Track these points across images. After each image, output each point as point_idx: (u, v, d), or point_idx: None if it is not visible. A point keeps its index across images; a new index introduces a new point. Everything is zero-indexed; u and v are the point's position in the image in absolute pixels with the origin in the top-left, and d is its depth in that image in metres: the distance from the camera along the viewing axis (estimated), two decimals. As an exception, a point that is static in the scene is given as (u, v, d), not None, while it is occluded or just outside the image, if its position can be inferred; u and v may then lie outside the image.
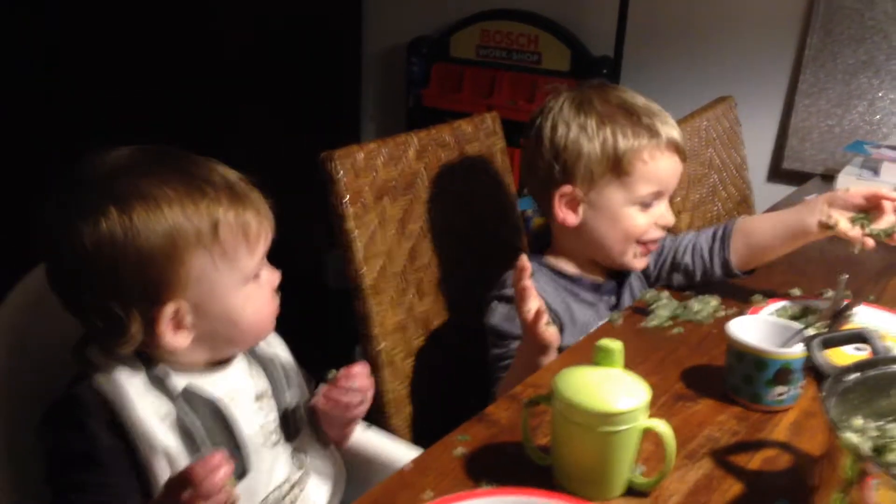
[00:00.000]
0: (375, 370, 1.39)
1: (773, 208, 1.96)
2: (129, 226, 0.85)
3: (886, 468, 0.81)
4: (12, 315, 1.00)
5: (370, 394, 1.03)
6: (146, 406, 0.89)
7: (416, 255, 1.47)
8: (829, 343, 0.92)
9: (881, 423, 0.88)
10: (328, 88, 3.09)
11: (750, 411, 1.07)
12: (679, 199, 1.83)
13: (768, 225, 1.39)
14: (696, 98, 2.17)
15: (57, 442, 0.89)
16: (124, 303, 0.87)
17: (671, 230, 1.43)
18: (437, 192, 1.52)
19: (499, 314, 1.35)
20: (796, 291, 1.41)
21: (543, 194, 1.39)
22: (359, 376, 1.01)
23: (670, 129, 1.33)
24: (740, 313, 1.31)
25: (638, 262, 1.39)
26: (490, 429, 1.01)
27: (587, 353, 0.92)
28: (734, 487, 0.92)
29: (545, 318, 1.15)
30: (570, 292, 1.40)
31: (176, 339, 0.90)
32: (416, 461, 0.94)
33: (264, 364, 1.02)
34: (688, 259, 1.43)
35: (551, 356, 1.20)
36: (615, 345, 0.90)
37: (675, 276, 1.45)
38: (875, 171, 1.91)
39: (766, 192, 2.36)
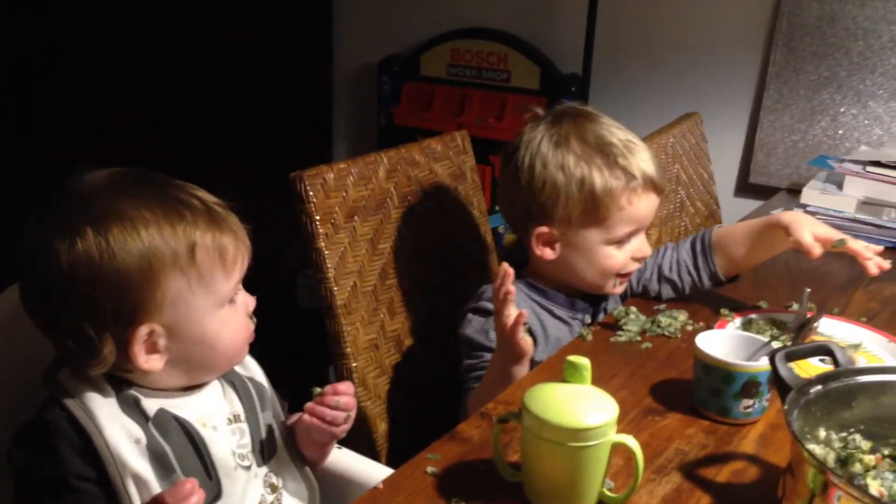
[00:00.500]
0: (348, 389, 1.39)
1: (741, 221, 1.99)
2: (105, 247, 0.85)
3: (850, 479, 0.83)
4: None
5: (353, 413, 1.03)
6: (117, 430, 0.88)
7: (387, 273, 1.48)
8: (792, 356, 0.94)
9: (844, 434, 0.89)
10: (299, 107, 3.09)
11: (718, 424, 1.09)
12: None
13: (741, 238, 1.44)
14: (663, 115, 2.20)
15: (27, 466, 0.88)
16: (98, 323, 0.86)
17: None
18: (407, 211, 1.52)
19: (473, 326, 1.36)
20: (763, 304, 1.43)
21: (520, 227, 1.41)
22: (344, 394, 1.01)
23: (646, 166, 1.33)
24: (708, 327, 1.33)
25: (617, 289, 1.41)
26: (461, 446, 1.02)
27: (559, 368, 0.93)
28: (703, 500, 0.93)
29: (522, 326, 1.16)
30: (544, 308, 1.41)
31: (149, 362, 0.90)
32: (387, 480, 0.94)
33: (238, 387, 1.02)
34: (675, 276, 1.46)
35: (524, 367, 1.21)
36: (583, 361, 0.91)
37: (663, 290, 1.47)
38: (839, 185, 1.94)
39: (733, 207, 2.39)
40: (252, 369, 1.07)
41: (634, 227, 1.35)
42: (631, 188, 1.31)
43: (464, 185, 1.67)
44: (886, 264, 1.32)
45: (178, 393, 0.96)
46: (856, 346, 1.31)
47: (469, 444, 1.02)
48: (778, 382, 0.89)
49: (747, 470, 1.00)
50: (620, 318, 1.37)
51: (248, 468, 0.98)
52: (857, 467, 0.87)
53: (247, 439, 0.99)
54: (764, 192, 2.38)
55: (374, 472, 1.13)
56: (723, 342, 1.13)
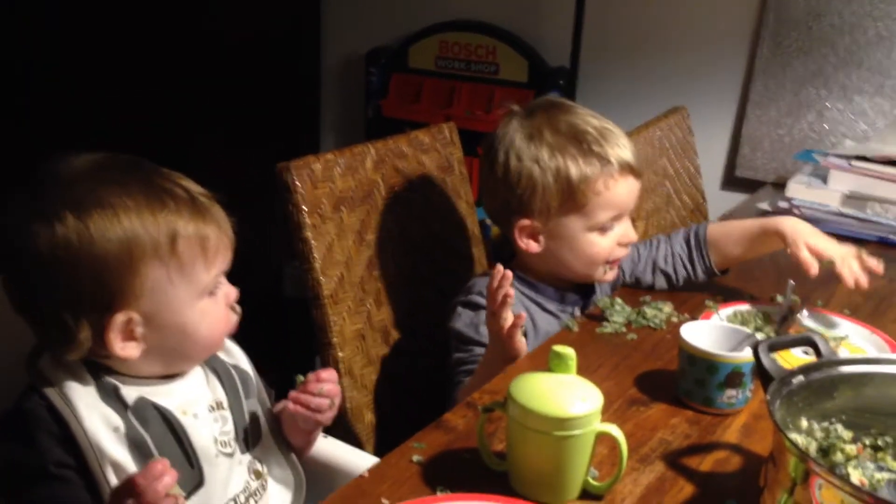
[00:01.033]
0: (334, 379, 1.39)
1: (727, 215, 2.01)
2: (85, 232, 0.84)
3: (831, 468, 0.84)
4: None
5: (338, 399, 1.03)
6: (96, 419, 0.88)
7: (375, 264, 1.48)
8: (775, 347, 0.95)
9: (826, 424, 0.90)
10: (287, 99, 3.08)
11: (701, 415, 1.09)
12: (634, 207, 1.85)
13: (737, 238, 1.45)
14: (650, 108, 2.20)
15: (7, 456, 0.88)
16: (75, 309, 0.86)
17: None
18: (394, 203, 1.52)
19: (463, 320, 1.36)
20: (749, 297, 1.44)
21: (503, 222, 1.41)
22: (327, 381, 1.01)
23: (621, 152, 1.33)
24: (693, 319, 1.34)
25: (607, 275, 1.41)
26: (447, 435, 1.02)
27: (544, 358, 0.94)
28: (686, 489, 0.94)
29: (520, 329, 1.17)
30: (533, 301, 1.41)
31: (126, 350, 0.89)
32: (372, 469, 0.95)
33: (222, 374, 1.02)
34: (669, 268, 1.48)
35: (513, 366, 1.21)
36: (568, 351, 0.91)
37: (657, 281, 1.49)
38: (824, 179, 1.96)
39: (719, 200, 2.40)
40: (236, 356, 1.07)
41: (615, 212, 1.35)
42: (607, 173, 1.32)
43: (451, 176, 1.68)
44: (864, 283, 1.34)
45: (159, 381, 0.96)
46: (840, 339, 1.31)
47: (454, 433, 1.03)
48: (761, 373, 0.90)
49: (730, 459, 1.01)
50: (606, 309, 1.38)
51: (230, 455, 0.98)
52: (839, 457, 0.88)
53: (229, 426, 0.99)
54: (750, 186, 2.39)
55: (359, 460, 1.14)
56: (707, 333, 1.14)
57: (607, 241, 1.36)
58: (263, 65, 2.93)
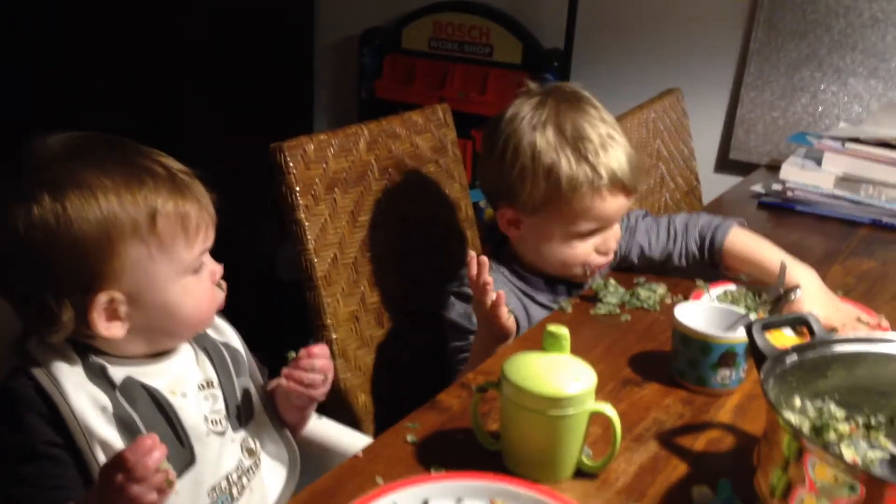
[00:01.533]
0: (328, 361, 1.39)
1: (720, 199, 2.01)
2: (62, 213, 0.84)
3: (824, 447, 0.84)
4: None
5: (331, 374, 1.03)
6: (83, 398, 0.88)
7: (368, 246, 1.47)
8: (769, 326, 0.95)
9: (819, 403, 0.91)
10: (280, 81, 3.06)
11: (695, 395, 1.10)
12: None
13: (752, 266, 1.40)
14: (645, 90, 2.20)
15: None
16: (56, 290, 0.86)
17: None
18: (388, 184, 1.52)
19: (456, 310, 1.36)
20: (743, 278, 1.44)
21: (493, 200, 1.41)
22: (319, 356, 1.01)
23: (618, 167, 1.30)
24: (687, 300, 1.34)
25: (586, 276, 1.40)
26: (441, 416, 1.02)
27: (537, 340, 0.94)
28: (679, 468, 0.94)
29: (505, 307, 1.17)
30: (526, 294, 1.41)
31: (110, 329, 0.89)
32: (366, 449, 0.95)
33: (212, 353, 1.02)
34: (682, 263, 1.46)
35: (508, 345, 1.21)
36: (562, 331, 0.91)
37: (666, 267, 1.47)
38: (818, 161, 1.95)
39: (713, 182, 2.40)
40: (227, 334, 1.07)
41: (597, 224, 1.34)
42: (596, 187, 1.29)
43: (445, 158, 1.67)
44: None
45: (147, 360, 0.95)
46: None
47: (448, 414, 1.03)
48: (754, 352, 0.90)
49: (724, 439, 1.01)
50: (600, 290, 1.38)
51: (221, 434, 0.98)
52: (832, 436, 0.88)
53: (220, 405, 0.99)
54: (744, 169, 2.39)
55: (353, 440, 1.14)
56: (701, 314, 1.14)
57: (585, 248, 1.35)
58: (256, 46, 2.91)
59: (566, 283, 1.43)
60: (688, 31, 2.49)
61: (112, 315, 0.89)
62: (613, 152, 1.30)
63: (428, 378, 1.41)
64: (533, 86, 1.39)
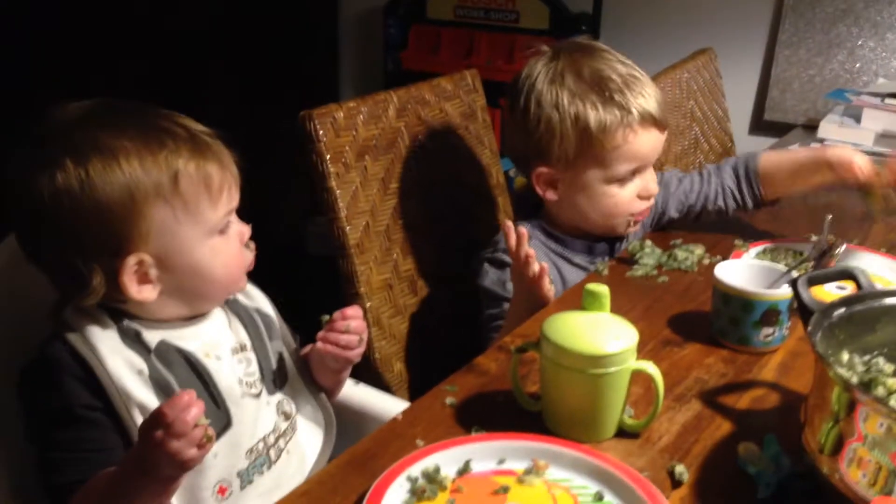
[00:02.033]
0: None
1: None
2: (85, 178, 0.84)
3: (877, 398, 0.82)
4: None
5: (365, 335, 1.03)
6: (119, 362, 0.88)
7: (400, 213, 1.46)
8: (814, 281, 0.92)
9: (867, 357, 0.88)
10: (305, 55, 3.05)
11: (737, 353, 1.08)
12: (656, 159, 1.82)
13: (787, 172, 1.41)
14: (677, 51, 2.15)
15: (34, 401, 0.89)
16: (85, 255, 0.86)
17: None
18: (418, 151, 1.50)
19: (490, 277, 1.35)
20: (780, 236, 1.41)
21: (523, 167, 1.38)
22: (353, 317, 1.01)
23: (645, 102, 1.29)
24: (725, 260, 1.31)
25: (631, 229, 1.38)
26: (479, 378, 1.01)
27: (576, 301, 0.92)
28: (723, 426, 0.93)
29: (547, 277, 1.16)
30: (561, 256, 1.40)
31: (142, 293, 0.89)
32: (406, 412, 0.94)
33: (244, 317, 1.02)
34: (721, 202, 1.44)
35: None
36: (602, 289, 0.90)
37: (707, 216, 1.46)
38: (857, 118, 1.91)
39: (748, 144, 2.36)
40: (258, 300, 1.06)
41: (635, 164, 1.32)
42: (626, 124, 1.27)
43: (475, 124, 1.65)
44: None
45: (180, 324, 0.95)
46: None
47: (487, 377, 1.02)
48: (800, 306, 0.88)
49: (768, 397, 0.99)
50: (636, 252, 1.36)
51: (257, 396, 0.98)
52: (881, 391, 0.86)
53: (254, 368, 0.99)
54: (779, 130, 2.35)
55: (391, 405, 1.14)
56: (742, 272, 1.11)
57: (626, 194, 1.33)
58: (281, 18, 2.89)
59: (605, 242, 1.41)
60: (719, -11, 2.44)
61: (143, 278, 0.89)
62: (638, 88, 1.29)
63: (462, 345, 1.40)
64: (544, 47, 1.37)
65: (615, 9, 2.53)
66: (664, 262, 1.34)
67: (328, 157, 1.33)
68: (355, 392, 1.16)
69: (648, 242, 1.38)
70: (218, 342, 0.97)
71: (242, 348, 0.99)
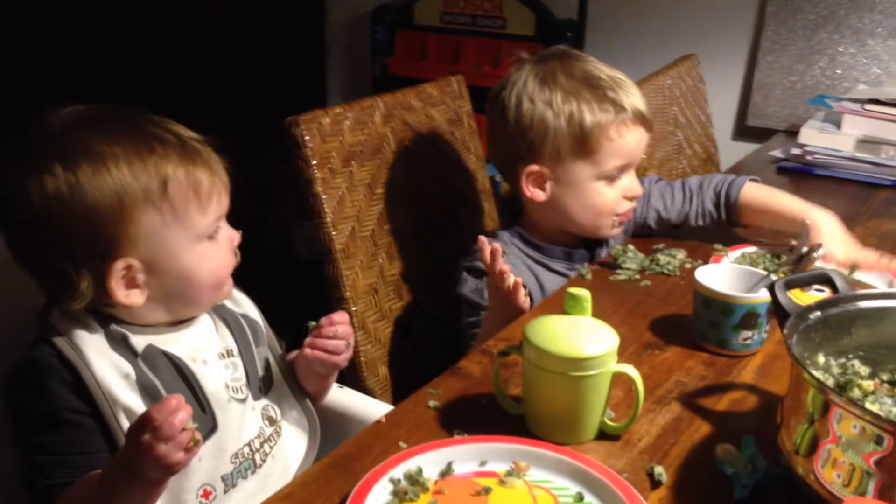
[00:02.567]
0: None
1: (739, 165, 1.99)
2: (75, 183, 0.85)
3: (850, 400, 0.83)
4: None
5: (352, 340, 1.04)
6: (106, 366, 0.89)
7: (386, 218, 1.47)
8: (791, 284, 0.94)
9: (843, 360, 0.90)
10: (292, 60, 3.05)
11: (717, 356, 1.09)
12: (645, 156, 1.83)
13: (769, 217, 1.42)
14: (660, 57, 2.18)
15: (20, 405, 0.90)
16: (73, 259, 0.87)
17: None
18: (404, 156, 1.51)
19: (469, 286, 1.36)
20: (763, 241, 1.43)
21: (510, 169, 1.39)
22: (340, 323, 1.02)
23: (635, 101, 1.32)
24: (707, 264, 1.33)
25: (615, 230, 1.40)
26: (462, 381, 1.02)
27: (557, 305, 0.93)
28: (702, 428, 0.94)
29: (522, 290, 1.17)
30: (539, 263, 1.41)
31: (129, 297, 0.90)
32: (389, 414, 0.95)
33: (231, 323, 1.03)
34: (700, 221, 1.46)
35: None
36: (584, 293, 0.91)
37: (683, 230, 1.48)
38: (837, 124, 1.93)
39: (731, 150, 2.38)
40: (245, 306, 1.07)
41: (624, 161, 1.34)
42: (620, 120, 1.31)
43: (460, 130, 1.66)
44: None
45: (167, 329, 0.96)
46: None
47: (470, 380, 1.03)
48: (777, 309, 0.89)
49: (746, 399, 1.01)
50: (619, 256, 1.37)
51: (242, 401, 0.98)
52: (856, 393, 0.88)
53: (240, 373, 1.00)
54: (762, 135, 2.37)
55: (374, 409, 1.14)
56: (722, 275, 1.13)
57: (613, 192, 1.35)
58: (268, 24, 2.90)
59: (585, 248, 1.43)
60: (702, -4, 2.46)
61: (130, 283, 0.90)
62: (627, 87, 1.34)
63: (447, 350, 1.41)
64: (525, 54, 1.40)
65: (600, 15, 2.55)
66: (647, 266, 1.35)
67: (314, 162, 1.34)
68: (340, 395, 1.17)
69: (631, 247, 1.39)
70: (205, 347, 0.98)
71: (229, 353, 1.00)
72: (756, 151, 2.12)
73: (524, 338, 0.90)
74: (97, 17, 2.53)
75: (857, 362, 0.90)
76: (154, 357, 0.92)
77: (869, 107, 1.90)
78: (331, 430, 1.09)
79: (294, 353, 1.08)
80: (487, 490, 0.82)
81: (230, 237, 0.97)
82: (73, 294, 0.87)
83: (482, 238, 1.17)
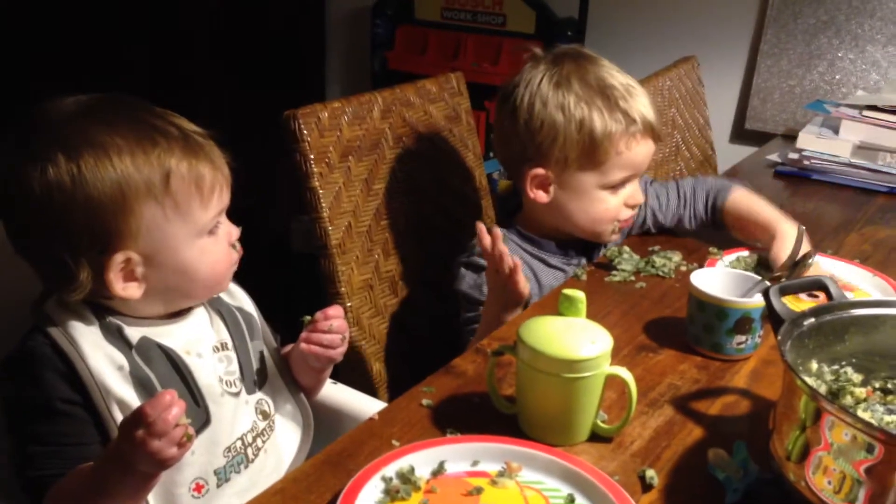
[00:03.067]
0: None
1: (736, 168, 1.99)
2: (77, 174, 0.84)
3: (842, 408, 0.84)
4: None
5: (347, 334, 1.04)
6: (100, 357, 0.89)
7: (382, 214, 1.47)
8: (786, 290, 0.94)
9: (836, 367, 0.90)
10: (292, 53, 3.05)
11: (710, 360, 1.09)
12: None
13: (751, 224, 1.42)
14: (660, 58, 2.17)
15: (13, 394, 0.89)
16: (73, 249, 0.86)
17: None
18: (402, 152, 1.51)
19: (467, 282, 1.36)
20: (758, 244, 1.43)
21: (515, 168, 1.39)
22: (335, 317, 1.02)
23: (646, 112, 1.32)
24: (702, 267, 1.33)
25: (613, 236, 1.40)
26: (456, 380, 1.02)
27: (552, 306, 0.94)
28: (695, 432, 0.94)
29: (521, 273, 1.17)
30: (536, 258, 1.41)
31: (127, 290, 0.90)
32: (382, 412, 0.95)
33: (226, 316, 1.02)
34: (692, 224, 1.48)
35: (517, 313, 1.21)
36: (578, 294, 0.91)
37: (676, 231, 1.50)
38: (835, 129, 1.94)
39: (729, 153, 2.38)
40: (240, 299, 1.07)
41: (630, 172, 1.34)
42: (630, 133, 1.30)
43: (459, 127, 1.66)
44: None
45: (163, 321, 0.96)
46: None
47: (464, 378, 1.03)
48: (771, 315, 0.90)
49: (739, 403, 1.01)
50: (614, 258, 1.37)
51: (236, 395, 0.98)
52: (848, 400, 0.88)
53: (234, 367, 1.00)
54: (759, 139, 2.37)
55: (367, 405, 1.14)
56: (717, 280, 1.13)
57: (616, 201, 1.35)
58: (268, 17, 2.89)
59: (580, 245, 1.43)
60: (704, -2, 2.46)
61: (129, 275, 0.90)
62: (639, 98, 1.33)
63: (442, 347, 1.41)
64: (538, 51, 1.39)
65: (601, 14, 2.55)
66: (642, 268, 1.35)
67: (312, 156, 1.34)
68: (333, 391, 1.17)
69: (627, 249, 1.39)
70: (199, 340, 0.97)
71: (223, 347, 0.99)
72: (753, 155, 2.13)
73: (518, 338, 0.91)
74: (95, 8, 2.52)
75: (849, 369, 0.90)
76: (148, 349, 0.92)
77: (867, 113, 1.91)
78: (324, 425, 1.09)
79: (289, 347, 1.08)
80: (479, 490, 0.82)
81: (229, 232, 0.97)
82: (72, 285, 0.87)
83: (480, 224, 1.17)
